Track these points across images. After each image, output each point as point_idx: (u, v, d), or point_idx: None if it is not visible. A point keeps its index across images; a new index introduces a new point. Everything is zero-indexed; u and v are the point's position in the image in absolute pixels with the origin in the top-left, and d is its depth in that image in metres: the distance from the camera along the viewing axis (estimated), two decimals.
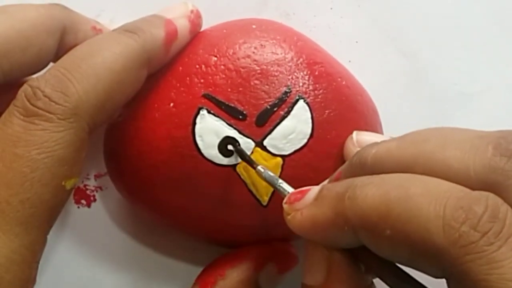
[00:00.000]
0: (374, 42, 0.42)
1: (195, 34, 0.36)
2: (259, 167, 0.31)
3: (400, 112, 0.42)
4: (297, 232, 0.28)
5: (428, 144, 0.27)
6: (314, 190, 0.28)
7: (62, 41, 0.33)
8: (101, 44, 0.31)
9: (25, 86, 0.29)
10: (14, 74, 0.31)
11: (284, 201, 0.29)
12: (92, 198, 0.40)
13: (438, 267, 0.24)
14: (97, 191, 0.40)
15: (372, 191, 0.25)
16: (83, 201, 0.40)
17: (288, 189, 0.30)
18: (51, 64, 0.33)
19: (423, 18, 0.42)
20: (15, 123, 0.28)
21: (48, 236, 0.38)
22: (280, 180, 0.30)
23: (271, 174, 0.30)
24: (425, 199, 0.24)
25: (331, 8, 0.41)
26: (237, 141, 0.32)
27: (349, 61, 0.38)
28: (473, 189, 0.24)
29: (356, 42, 0.42)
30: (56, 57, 0.32)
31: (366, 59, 0.41)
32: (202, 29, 0.36)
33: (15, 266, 0.28)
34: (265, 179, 0.31)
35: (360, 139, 0.33)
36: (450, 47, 0.42)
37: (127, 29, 0.32)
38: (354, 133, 0.34)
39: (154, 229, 0.39)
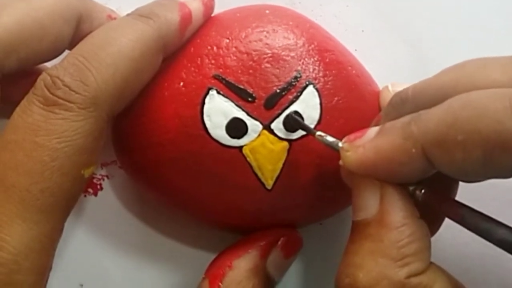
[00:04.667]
0: (380, 31, 0.42)
1: (209, 16, 0.36)
2: (317, 133, 0.31)
3: None
4: (354, 168, 0.29)
5: (466, 67, 0.29)
6: (374, 128, 0.29)
7: (78, 29, 0.33)
8: (117, 31, 0.31)
9: (44, 74, 0.29)
10: (30, 61, 0.32)
11: (344, 140, 0.30)
12: (99, 186, 0.40)
13: None
14: (103, 180, 0.40)
15: (435, 110, 0.26)
16: (90, 190, 0.40)
17: None
18: (66, 51, 0.33)
19: (429, 7, 0.42)
20: (35, 111, 0.28)
21: None
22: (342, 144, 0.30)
23: (331, 139, 0.31)
24: (488, 99, 0.25)
25: None
26: (245, 122, 0.32)
27: (355, 50, 0.38)
28: None
29: (362, 31, 0.42)
30: (71, 45, 0.32)
31: (372, 48, 0.41)
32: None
33: (34, 254, 0.28)
34: (326, 145, 0.31)
35: (397, 89, 0.34)
36: (455, 37, 0.42)
37: (142, 14, 0.32)
38: (390, 84, 0.36)
39: (162, 217, 0.39)
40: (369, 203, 0.29)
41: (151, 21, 0.32)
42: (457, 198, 0.33)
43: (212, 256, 0.37)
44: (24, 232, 0.27)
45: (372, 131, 0.29)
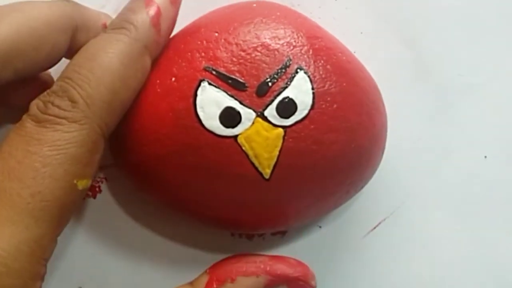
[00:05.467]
0: (379, 33, 0.42)
1: (179, 3, 0.36)
2: None
3: (405, 103, 0.42)
4: None
5: None
6: None
7: (74, 39, 0.34)
8: (94, 48, 0.32)
9: (36, 100, 0.30)
10: (27, 71, 0.32)
11: None
12: (97, 189, 0.40)
13: None
14: (102, 182, 0.40)
15: None
16: (88, 192, 0.40)
17: None
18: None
19: (428, 8, 0.43)
20: (28, 127, 0.29)
21: None
22: None
23: None
24: None
25: None
26: (238, 111, 0.32)
27: (354, 52, 0.38)
28: None
29: (361, 33, 0.42)
30: (68, 54, 0.34)
31: (371, 50, 0.42)
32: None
33: (24, 257, 0.28)
34: None
35: None
36: (455, 38, 0.42)
37: (114, 27, 0.33)
38: None
39: (161, 219, 0.39)
40: None
41: (124, 29, 0.33)
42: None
43: (211, 257, 0.37)
44: (14, 235, 0.28)
45: None
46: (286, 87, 0.33)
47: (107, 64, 0.31)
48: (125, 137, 0.35)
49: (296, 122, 0.33)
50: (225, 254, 0.39)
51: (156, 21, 0.34)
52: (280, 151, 0.33)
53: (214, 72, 0.33)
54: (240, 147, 0.32)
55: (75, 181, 0.29)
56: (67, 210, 0.30)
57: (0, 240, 0.27)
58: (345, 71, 0.34)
